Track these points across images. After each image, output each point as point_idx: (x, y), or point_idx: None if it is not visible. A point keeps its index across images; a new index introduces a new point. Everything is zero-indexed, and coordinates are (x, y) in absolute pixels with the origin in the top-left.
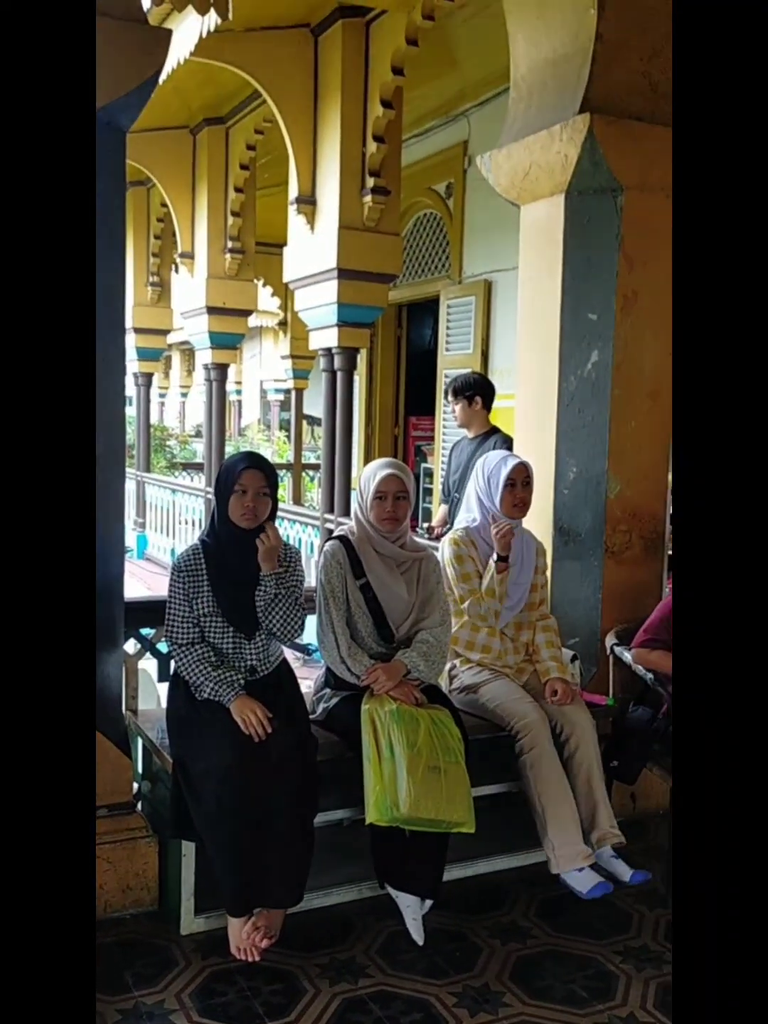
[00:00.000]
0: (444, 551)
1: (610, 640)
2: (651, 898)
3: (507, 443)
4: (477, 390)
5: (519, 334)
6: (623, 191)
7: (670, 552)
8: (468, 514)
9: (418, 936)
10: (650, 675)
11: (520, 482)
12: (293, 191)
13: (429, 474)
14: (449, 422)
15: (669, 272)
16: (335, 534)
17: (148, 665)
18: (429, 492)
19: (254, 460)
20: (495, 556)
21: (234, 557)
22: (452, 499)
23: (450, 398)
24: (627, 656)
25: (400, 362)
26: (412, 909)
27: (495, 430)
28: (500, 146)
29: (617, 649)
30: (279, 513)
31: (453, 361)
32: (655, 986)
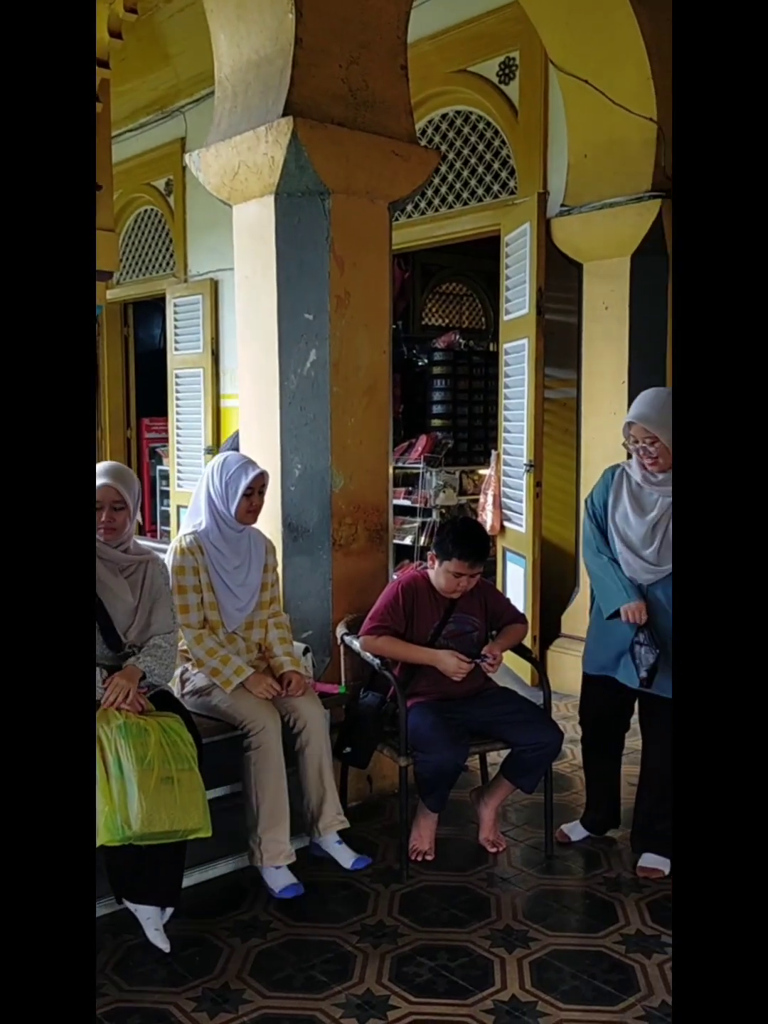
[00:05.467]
0: (169, 558)
1: (340, 630)
2: (387, 875)
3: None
4: None
5: (239, 334)
6: (330, 194)
7: (395, 542)
8: (196, 517)
9: (163, 945)
10: (378, 661)
11: (257, 490)
12: None
13: (165, 476)
14: (185, 423)
15: (378, 273)
16: None
17: None
18: (166, 495)
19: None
20: None
21: None
22: None
23: None
24: (356, 644)
25: (129, 362)
26: (153, 920)
27: None
28: (208, 145)
29: (347, 638)
30: None
31: (183, 361)
32: (389, 960)
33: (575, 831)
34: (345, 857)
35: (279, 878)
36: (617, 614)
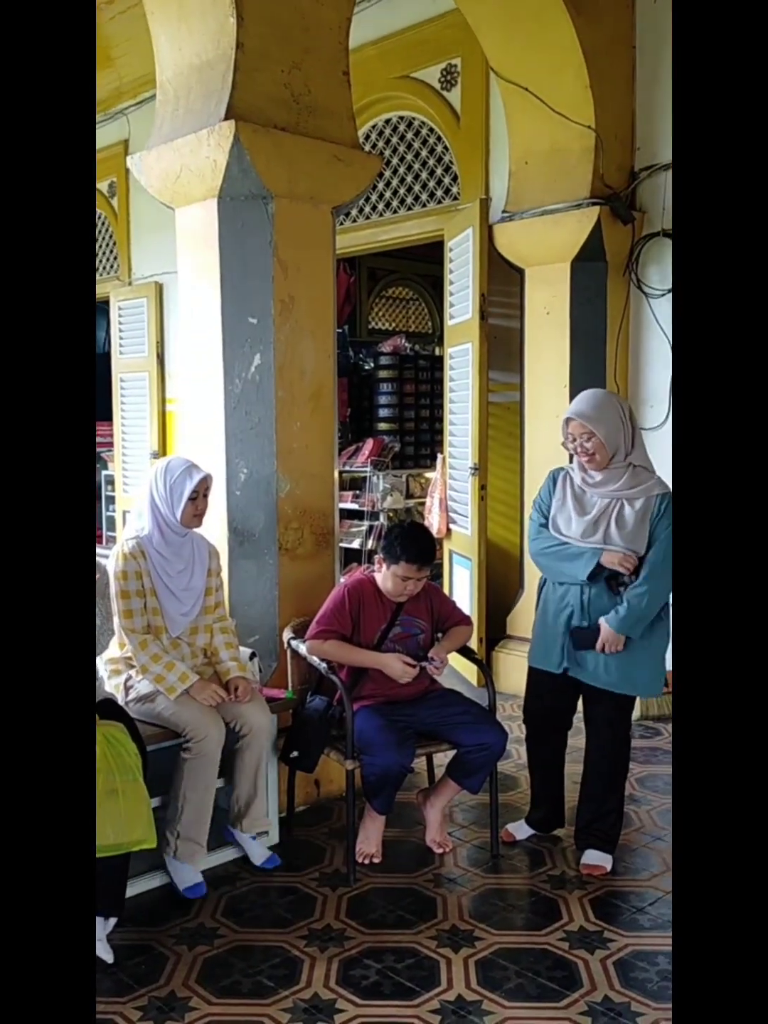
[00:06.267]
0: (111, 564)
1: (287, 634)
2: (334, 879)
3: None
4: None
5: (182, 338)
6: (273, 198)
7: (342, 545)
8: (139, 521)
9: (106, 956)
10: (324, 665)
11: (202, 494)
12: None
13: (110, 481)
14: (130, 427)
15: (322, 277)
16: None
17: None
18: (112, 501)
19: None
20: None
21: None
22: None
23: None
24: (302, 648)
25: None
26: (96, 930)
27: None
28: (150, 148)
29: (293, 643)
30: None
31: (129, 365)
32: (337, 963)
33: (520, 830)
34: (257, 854)
35: (188, 875)
36: (594, 577)
